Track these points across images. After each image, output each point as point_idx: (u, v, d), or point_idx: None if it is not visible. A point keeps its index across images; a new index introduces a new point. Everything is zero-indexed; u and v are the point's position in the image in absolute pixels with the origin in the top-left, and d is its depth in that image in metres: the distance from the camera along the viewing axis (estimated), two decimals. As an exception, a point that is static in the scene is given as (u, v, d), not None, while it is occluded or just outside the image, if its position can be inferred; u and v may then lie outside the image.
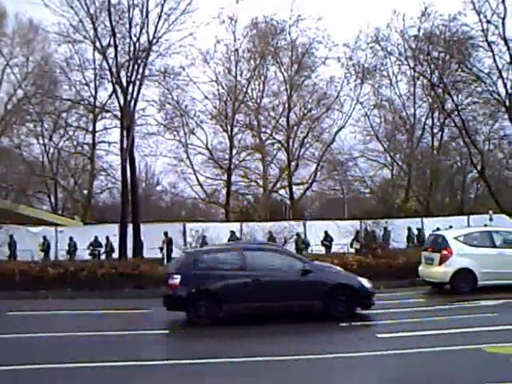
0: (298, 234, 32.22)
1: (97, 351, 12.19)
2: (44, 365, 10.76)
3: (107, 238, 33.09)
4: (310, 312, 15.47)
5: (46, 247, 32.82)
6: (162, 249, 31.79)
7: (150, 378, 10.34)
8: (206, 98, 48.38)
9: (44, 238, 33.15)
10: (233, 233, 33.22)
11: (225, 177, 49.68)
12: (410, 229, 34.20)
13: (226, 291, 15.11)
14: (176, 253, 31.72)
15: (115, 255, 31.01)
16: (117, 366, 10.84)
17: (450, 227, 30.49)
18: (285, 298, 15.20)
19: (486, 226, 25.99)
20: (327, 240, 33.95)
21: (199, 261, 15.72)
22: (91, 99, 46.46)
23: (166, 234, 32.37)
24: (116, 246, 30.99)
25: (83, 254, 32.10)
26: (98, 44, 31.28)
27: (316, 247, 33.85)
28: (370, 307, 15.75)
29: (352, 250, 30.79)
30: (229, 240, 31.21)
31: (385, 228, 32.31)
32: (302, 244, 32.10)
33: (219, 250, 17.06)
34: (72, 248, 32.90)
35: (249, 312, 15.28)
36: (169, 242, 32.26)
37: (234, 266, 15.63)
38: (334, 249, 32.09)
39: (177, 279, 15.20)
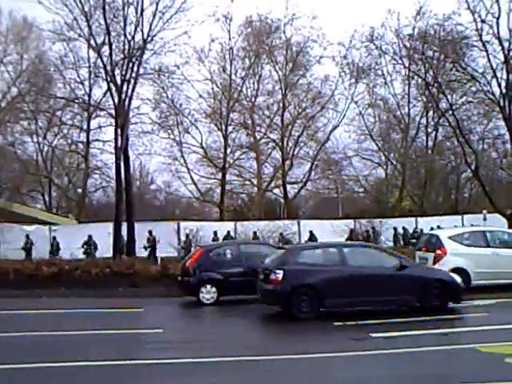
0: (281, 234, 32.30)
1: (88, 350, 12.14)
2: (37, 364, 10.70)
3: (90, 236, 33.13)
4: (404, 306, 15.92)
5: (28, 246, 32.54)
6: (146, 248, 31.79)
7: (146, 377, 10.32)
8: (201, 96, 48.39)
9: (27, 236, 32.90)
10: (215, 233, 33.19)
11: (219, 176, 49.65)
12: (395, 229, 34.21)
13: (327, 286, 15.39)
14: (170, 252, 31.87)
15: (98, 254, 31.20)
16: (110, 365, 10.80)
17: (438, 227, 30.60)
18: (383, 292, 15.61)
19: (472, 225, 26.15)
20: (312, 240, 34.10)
21: (299, 257, 16.22)
22: (85, 97, 46.33)
23: (150, 232, 32.42)
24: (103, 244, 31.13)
25: (78, 252, 32.10)
26: (92, 42, 31.29)
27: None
28: (460, 302, 16.09)
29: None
30: (212, 240, 31.18)
31: (373, 228, 32.38)
32: (286, 244, 32.15)
33: (318, 247, 18.13)
34: (55, 248, 32.79)
35: (349, 306, 15.73)
36: (154, 241, 32.36)
37: (333, 261, 16.04)
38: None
39: (279, 274, 15.42)
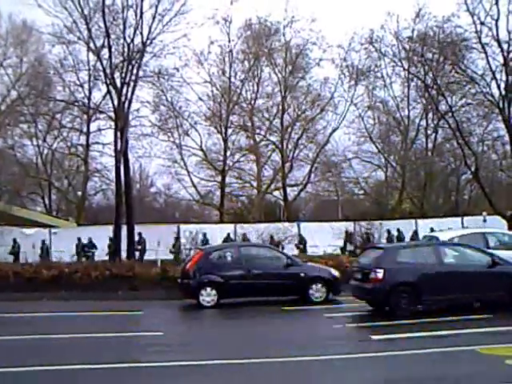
0: (271, 237, 32.28)
1: (88, 353, 12.13)
2: (37, 367, 10.70)
3: (79, 239, 33.17)
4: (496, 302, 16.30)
5: (15, 250, 32.43)
6: (137, 250, 31.83)
7: (146, 379, 10.32)
8: (200, 99, 48.41)
9: (14, 240, 32.78)
10: (205, 234, 33.06)
11: (219, 178, 49.62)
12: (389, 231, 34.24)
13: (424, 284, 15.84)
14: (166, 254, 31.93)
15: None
16: (110, 368, 10.77)
17: (432, 230, 30.60)
18: (476, 289, 16.10)
19: (467, 227, 26.18)
20: (301, 243, 34.05)
21: (397, 256, 16.64)
22: (85, 100, 46.36)
23: (140, 234, 32.42)
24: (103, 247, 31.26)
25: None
26: (91, 45, 31.23)
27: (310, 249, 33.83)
28: None
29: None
30: (203, 244, 31.03)
31: (369, 229, 32.31)
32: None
33: (415, 246, 18.79)
34: (45, 252, 32.72)
35: (445, 303, 16.26)
36: (144, 243, 32.36)
37: (429, 259, 16.47)
38: (329, 250, 32.04)
39: (379, 273, 15.88)
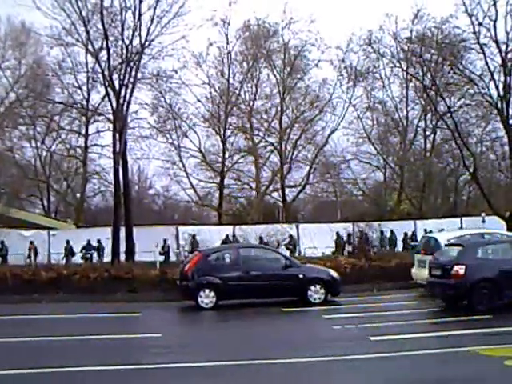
0: (260, 238, 32.28)
1: (87, 355, 12.10)
2: (37, 369, 10.66)
3: (67, 241, 33.13)
4: None
5: (3, 252, 32.30)
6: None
7: (144, 381, 10.31)
8: (199, 100, 48.44)
9: (1, 242, 32.75)
10: (194, 236, 33.05)
11: (217, 180, 49.67)
12: (382, 232, 34.26)
13: (505, 279, 16.18)
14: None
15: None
16: (108, 370, 10.75)
17: (425, 231, 30.66)
18: None
19: (461, 228, 26.23)
20: (291, 243, 34.07)
21: (477, 252, 17.04)
22: (84, 102, 46.37)
23: None
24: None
25: (76, 257, 32.27)
26: (90, 47, 31.23)
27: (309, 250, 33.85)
28: None
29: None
30: (192, 245, 30.96)
31: (361, 231, 32.42)
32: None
33: (494, 243, 18.69)
34: (33, 252, 32.66)
35: None
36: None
37: (508, 256, 16.94)
38: (327, 252, 32.03)
39: (461, 269, 16.24)
